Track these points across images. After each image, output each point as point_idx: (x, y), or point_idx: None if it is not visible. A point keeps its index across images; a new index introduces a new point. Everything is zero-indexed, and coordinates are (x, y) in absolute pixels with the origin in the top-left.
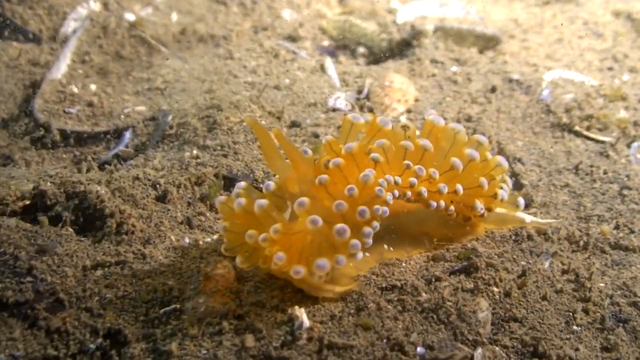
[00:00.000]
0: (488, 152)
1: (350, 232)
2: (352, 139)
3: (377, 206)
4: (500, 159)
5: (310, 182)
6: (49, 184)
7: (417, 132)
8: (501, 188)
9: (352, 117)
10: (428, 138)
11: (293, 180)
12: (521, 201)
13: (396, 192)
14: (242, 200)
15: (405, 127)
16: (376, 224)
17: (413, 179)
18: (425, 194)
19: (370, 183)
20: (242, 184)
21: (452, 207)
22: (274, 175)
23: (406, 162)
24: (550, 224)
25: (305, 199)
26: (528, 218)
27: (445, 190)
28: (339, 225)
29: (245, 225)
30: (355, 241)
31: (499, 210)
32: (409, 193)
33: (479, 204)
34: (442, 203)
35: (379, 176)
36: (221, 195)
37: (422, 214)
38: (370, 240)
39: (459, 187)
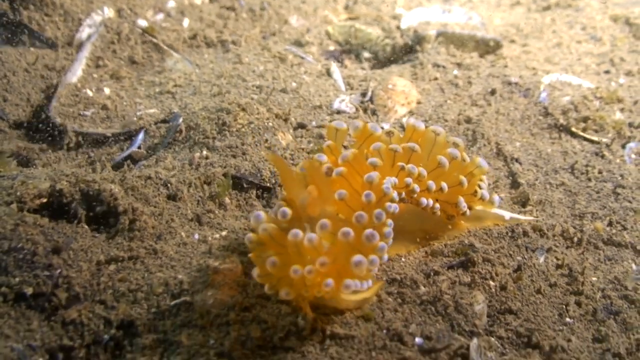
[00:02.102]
0: (464, 153)
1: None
2: (339, 144)
3: (388, 204)
4: (480, 160)
5: (331, 201)
6: (65, 182)
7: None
8: (480, 187)
9: (335, 124)
10: (410, 141)
11: (314, 204)
12: (496, 198)
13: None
14: (279, 225)
15: (389, 133)
16: (390, 221)
17: (408, 179)
18: (417, 192)
19: (375, 183)
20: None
21: (437, 205)
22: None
23: (400, 163)
24: (530, 221)
25: (326, 221)
26: (507, 215)
27: (434, 187)
28: (368, 231)
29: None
30: (382, 243)
31: (478, 207)
32: (403, 193)
33: (463, 201)
34: (430, 201)
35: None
36: (229, 194)
37: (408, 215)
38: (391, 240)
39: (444, 184)
